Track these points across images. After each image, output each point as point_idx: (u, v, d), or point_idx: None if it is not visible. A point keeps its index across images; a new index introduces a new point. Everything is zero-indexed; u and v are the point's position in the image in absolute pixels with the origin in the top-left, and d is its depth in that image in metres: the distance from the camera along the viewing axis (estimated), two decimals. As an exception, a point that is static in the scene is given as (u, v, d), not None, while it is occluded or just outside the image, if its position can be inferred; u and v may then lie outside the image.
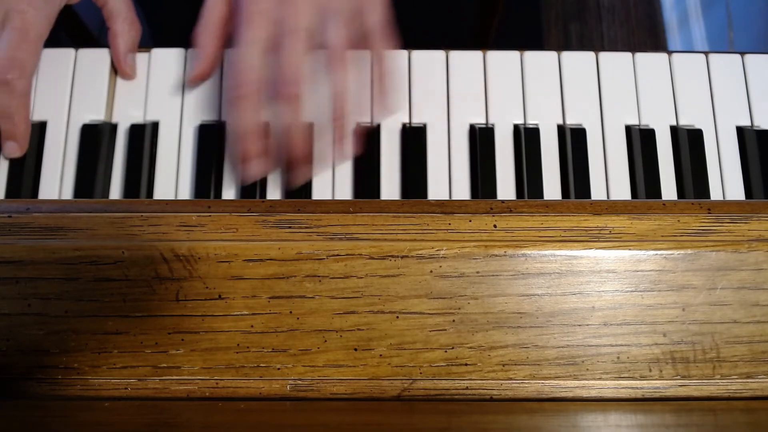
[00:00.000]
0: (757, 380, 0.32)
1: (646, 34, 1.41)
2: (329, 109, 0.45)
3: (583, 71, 0.51)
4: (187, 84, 0.50)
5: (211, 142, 0.49)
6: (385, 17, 0.47)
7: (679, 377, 0.32)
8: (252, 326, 0.32)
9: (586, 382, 0.32)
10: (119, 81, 0.51)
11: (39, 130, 0.49)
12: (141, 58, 0.51)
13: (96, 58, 0.50)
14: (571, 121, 0.50)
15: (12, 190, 0.49)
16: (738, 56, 0.51)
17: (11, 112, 0.46)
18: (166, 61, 0.51)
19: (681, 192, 0.48)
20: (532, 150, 0.48)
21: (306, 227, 0.33)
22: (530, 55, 0.51)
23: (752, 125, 0.50)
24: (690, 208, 0.33)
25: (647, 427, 0.31)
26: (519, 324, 0.32)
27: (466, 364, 0.32)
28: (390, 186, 0.49)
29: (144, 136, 0.49)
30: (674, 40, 1.42)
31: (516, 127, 0.49)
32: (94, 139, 0.49)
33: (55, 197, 0.49)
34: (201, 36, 0.48)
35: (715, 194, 0.48)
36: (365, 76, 0.50)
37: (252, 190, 0.48)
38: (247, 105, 0.43)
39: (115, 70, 0.50)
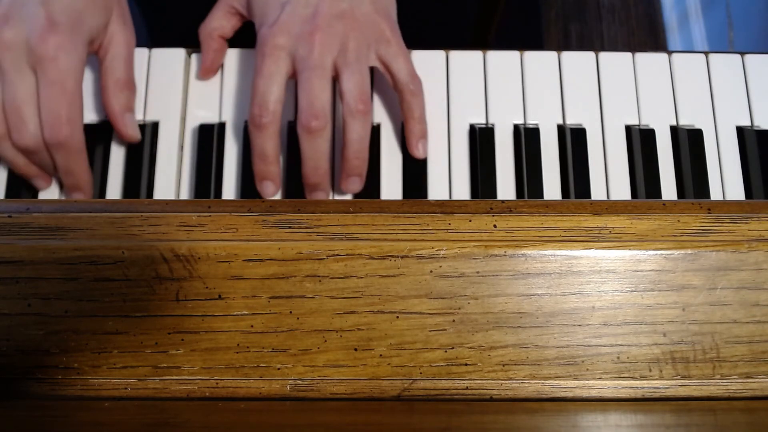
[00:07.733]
0: (757, 380, 0.32)
1: (646, 34, 1.41)
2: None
3: (583, 71, 0.51)
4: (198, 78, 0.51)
5: (211, 142, 0.49)
6: (406, 54, 0.48)
7: (679, 377, 0.32)
8: (252, 326, 0.32)
9: (586, 382, 0.32)
10: (119, 81, 0.51)
11: (39, 130, 0.49)
12: (141, 58, 0.51)
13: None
14: (571, 121, 0.50)
15: (12, 190, 0.49)
16: (738, 56, 0.51)
17: (71, 168, 0.46)
18: (166, 61, 0.51)
19: (681, 192, 0.48)
20: (532, 150, 0.48)
21: (306, 227, 0.33)
22: (530, 55, 0.51)
23: (752, 125, 0.49)
24: (690, 208, 0.33)
25: (647, 427, 0.31)
26: (519, 324, 0.32)
27: (466, 364, 0.32)
28: (390, 186, 0.49)
29: (144, 136, 0.49)
30: (674, 40, 1.42)
31: (516, 127, 0.49)
32: (95, 140, 0.49)
33: (55, 197, 0.49)
34: (201, 42, 0.51)
35: (715, 194, 0.48)
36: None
37: (252, 191, 0.48)
38: (268, 133, 0.46)
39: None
